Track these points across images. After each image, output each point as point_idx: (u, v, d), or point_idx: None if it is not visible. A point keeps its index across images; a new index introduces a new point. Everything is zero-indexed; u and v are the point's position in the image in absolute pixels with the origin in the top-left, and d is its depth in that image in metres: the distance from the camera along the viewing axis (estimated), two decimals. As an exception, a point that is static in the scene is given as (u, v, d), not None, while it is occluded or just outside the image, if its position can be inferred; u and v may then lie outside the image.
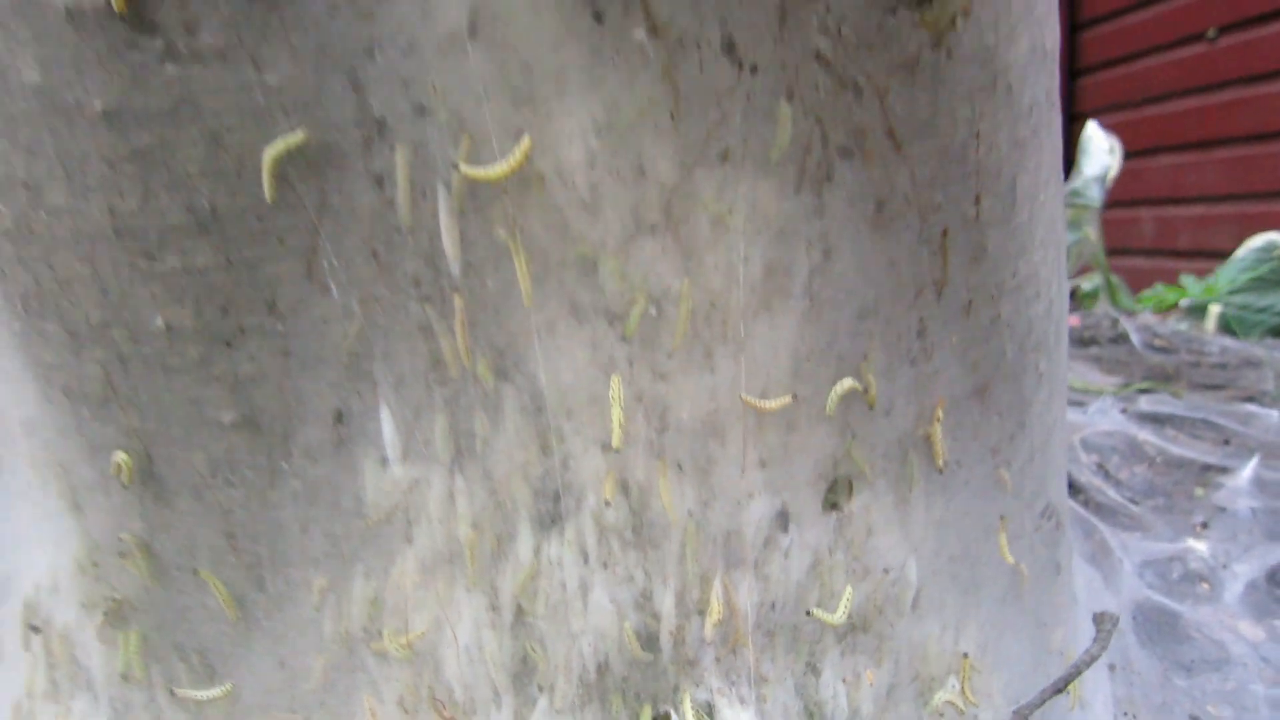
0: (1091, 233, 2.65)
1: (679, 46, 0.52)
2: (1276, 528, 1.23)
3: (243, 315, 0.58)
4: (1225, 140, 4.62)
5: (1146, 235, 5.16)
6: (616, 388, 0.58)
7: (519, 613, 0.64)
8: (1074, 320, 2.54)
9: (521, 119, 0.53)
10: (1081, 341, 2.18)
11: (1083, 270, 2.86)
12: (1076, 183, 2.68)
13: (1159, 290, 2.53)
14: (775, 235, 0.58)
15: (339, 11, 0.51)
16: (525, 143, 0.52)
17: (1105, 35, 5.44)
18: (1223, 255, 3.99)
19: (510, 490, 0.62)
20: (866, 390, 0.65)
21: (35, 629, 0.72)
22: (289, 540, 0.64)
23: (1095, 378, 1.84)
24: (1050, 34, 0.65)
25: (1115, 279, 3.00)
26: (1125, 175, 5.13)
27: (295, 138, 0.53)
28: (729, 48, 0.52)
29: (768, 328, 0.60)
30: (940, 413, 0.69)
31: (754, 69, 0.53)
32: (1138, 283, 5.18)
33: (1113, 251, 5.27)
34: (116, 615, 0.69)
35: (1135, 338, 2.15)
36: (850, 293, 0.62)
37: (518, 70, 0.52)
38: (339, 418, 0.60)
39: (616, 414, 0.59)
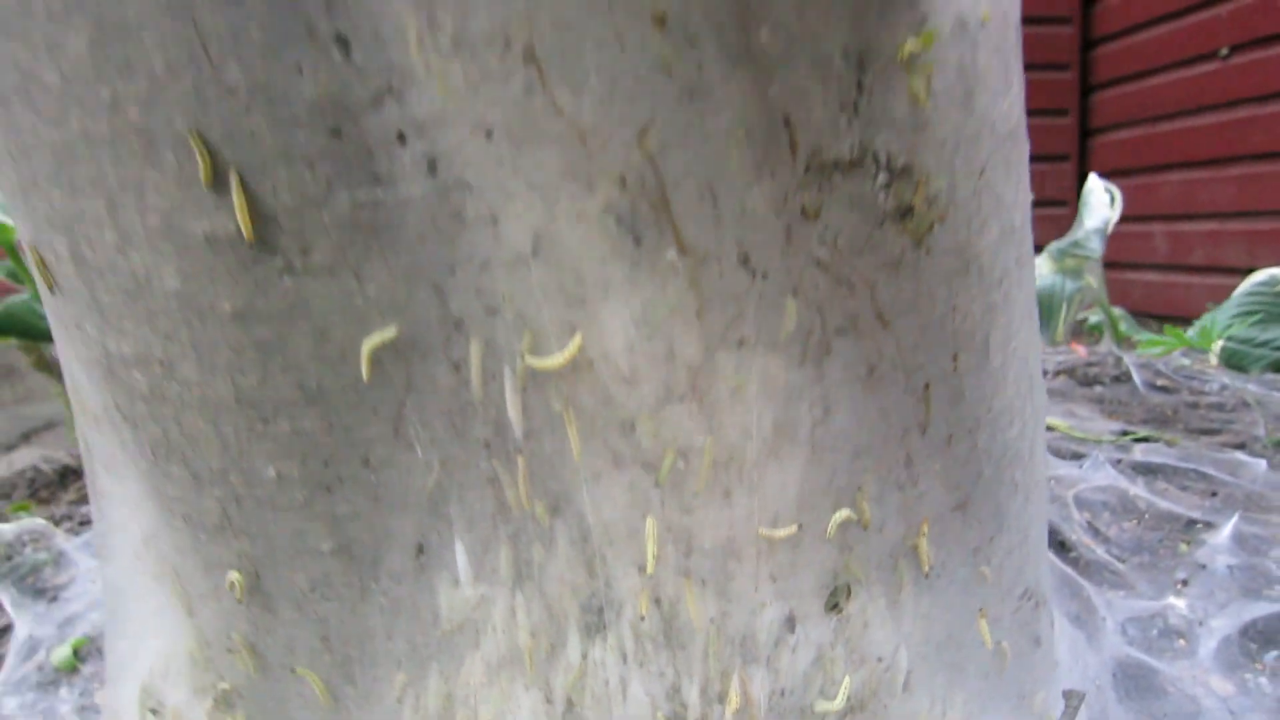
0: (1093, 280, 2.75)
1: (703, 261, 0.63)
2: (1251, 584, 1.32)
3: (341, 468, 0.70)
4: (1237, 158, 4.69)
5: (1159, 250, 5.24)
6: (651, 528, 0.70)
7: (569, 705, 0.76)
8: (1082, 352, 2.64)
9: (574, 317, 0.65)
10: (1085, 381, 2.27)
11: (1088, 306, 2.96)
12: (1078, 234, 2.78)
13: (1160, 335, 2.62)
14: (783, 399, 0.69)
15: (427, 240, 0.62)
16: (577, 339, 0.64)
17: (1118, 52, 5.51)
18: (1234, 271, 4.06)
19: (562, 605, 0.74)
20: (861, 516, 0.76)
21: (153, 712, 0.84)
22: (376, 644, 0.76)
23: (1096, 423, 1.93)
24: (1020, 213, 0.76)
25: (1118, 311, 3.10)
26: (1139, 190, 5.20)
27: (388, 333, 0.65)
28: (744, 260, 0.64)
29: (777, 471, 0.72)
30: (925, 527, 0.80)
31: (765, 275, 0.65)
32: (1150, 297, 5.26)
33: (1126, 266, 5.36)
34: (224, 701, 0.81)
35: (1137, 377, 2.24)
36: (846, 439, 0.73)
37: (571, 280, 0.63)
38: (420, 549, 0.72)
39: (651, 548, 0.70)
